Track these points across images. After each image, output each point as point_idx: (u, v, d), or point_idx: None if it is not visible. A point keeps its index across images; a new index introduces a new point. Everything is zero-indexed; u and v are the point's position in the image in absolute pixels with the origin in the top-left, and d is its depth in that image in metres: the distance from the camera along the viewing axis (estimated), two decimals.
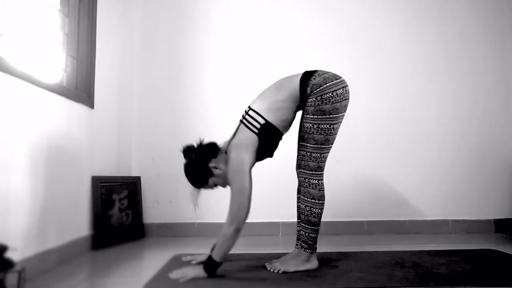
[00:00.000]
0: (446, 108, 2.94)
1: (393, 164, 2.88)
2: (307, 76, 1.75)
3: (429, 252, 2.08)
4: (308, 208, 1.74)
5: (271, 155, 1.84)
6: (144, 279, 1.64)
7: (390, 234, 2.78)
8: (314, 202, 1.74)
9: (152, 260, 2.05)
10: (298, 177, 1.81)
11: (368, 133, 2.88)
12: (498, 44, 3.00)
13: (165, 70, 2.93)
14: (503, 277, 1.61)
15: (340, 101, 1.70)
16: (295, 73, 1.85)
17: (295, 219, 2.27)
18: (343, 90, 1.71)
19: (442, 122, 2.93)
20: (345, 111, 1.75)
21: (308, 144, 1.73)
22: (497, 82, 2.97)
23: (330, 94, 1.68)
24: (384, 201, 2.85)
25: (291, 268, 1.72)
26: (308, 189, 1.74)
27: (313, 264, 1.76)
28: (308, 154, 1.73)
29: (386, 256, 1.99)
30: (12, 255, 1.14)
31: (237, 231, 1.62)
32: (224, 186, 1.81)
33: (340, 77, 1.75)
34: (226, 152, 1.75)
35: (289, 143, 2.08)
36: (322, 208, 1.76)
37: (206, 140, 1.79)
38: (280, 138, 1.81)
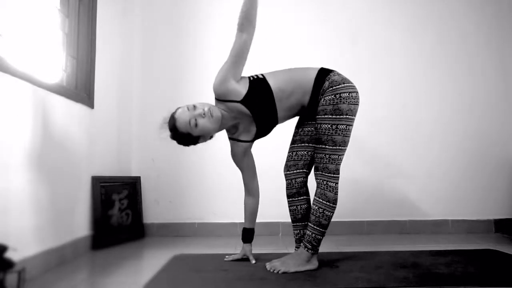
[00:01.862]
0: (446, 107, 2.94)
1: (392, 164, 2.88)
2: (325, 71, 1.76)
3: (429, 252, 2.08)
4: (321, 210, 1.73)
5: (262, 130, 1.82)
6: (144, 279, 1.64)
7: (390, 234, 2.78)
8: (328, 205, 1.73)
9: (152, 260, 2.05)
10: (316, 179, 1.78)
11: (368, 133, 2.88)
12: (498, 44, 3.00)
13: (165, 70, 2.93)
14: (503, 277, 1.60)
15: (354, 104, 1.72)
16: None
17: None
18: (356, 94, 1.74)
19: (442, 122, 2.93)
20: (355, 116, 1.75)
21: (327, 146, 1.72)
22: (497, 82, 2.97)
23: (347, 95, 1.70)
24: (384, 201, 2.85)
25: (292, 268, 1.71)
26: (325, 191, 1.73)
27: (313, 264, 1.76)
28: (327, 156, 1.72)
29: (386, 256, 1.99)
30: (12, 255, 1.14)
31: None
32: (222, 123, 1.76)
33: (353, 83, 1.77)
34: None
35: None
36: (334, 212, 1.75)
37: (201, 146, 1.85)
38: (275, 118, 1.77)
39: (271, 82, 1.74)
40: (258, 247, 2.08)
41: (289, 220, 1.95)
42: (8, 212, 1.55)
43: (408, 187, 2.86)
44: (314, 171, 1.79)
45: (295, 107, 1.80)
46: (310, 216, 1.77)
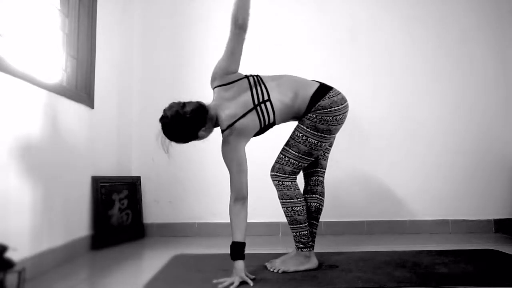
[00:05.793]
0: (446, 108, 2.93)
1: (393, 164, 2.88)
2: (320, 93, 1.70)
3: (429, 252, 2.08)
4: (290, 209, 1.74)
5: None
6: (144, 279, 1.64)
7: (390, 234, 2.78)
8: (293, 202, 1.74)
9: (152, 260, 2.05)
10: (272, 181, 1.78)
11: (368, 133, 2.88)
12: (498, 44, 3.00)
13: (165, 70, 2.93)
14: (503, 277, 1.61)
15: (336, 125, 1.72)
16: (296, 73, 1.87)
17: None
18: (342, 116, 1.72)
19: (443, 122, 2.92)
20: (336, 133, 1.77)
21: (290, 150, 1.74)
22: (497, 82, 2.97)
23: (330, 118, 1.69)
24: (384, 201, 2.85)
25: (291, 268, 1.72)
26: (284, 191, 1.75)
27: (313, 263, 1.76)
28: (287, 159, 1.74)
29: (386, 256, 1.99)
30: (12, 255, 1.14)
31: (242, 203, 1.63)
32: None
33: (346, 102, 1.74)
34: (217, 118, 1.68)
35: None
36: (304, 204, 1.76)
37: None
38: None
39: (279, 120, 1.73)
40: (258, 247, 2.08)
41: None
42: (8, 212, 1.55)
43: (408, 187, 2.86)
44: (270, 171, 1.79)
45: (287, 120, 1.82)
46: (285, 218, 1.78)
